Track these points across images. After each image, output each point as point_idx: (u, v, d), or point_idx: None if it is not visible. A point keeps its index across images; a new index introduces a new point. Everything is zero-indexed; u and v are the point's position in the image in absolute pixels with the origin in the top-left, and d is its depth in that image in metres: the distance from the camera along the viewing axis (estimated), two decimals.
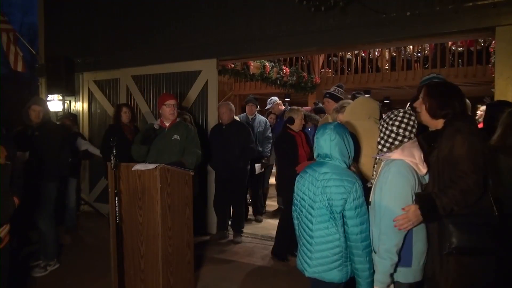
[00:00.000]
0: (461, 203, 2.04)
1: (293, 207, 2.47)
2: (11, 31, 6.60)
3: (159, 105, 3.98)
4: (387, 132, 2.15)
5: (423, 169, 2.09)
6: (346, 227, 2.16)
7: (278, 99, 6.76)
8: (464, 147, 2.08)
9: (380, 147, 2.19)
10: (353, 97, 4.46)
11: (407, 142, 2.12)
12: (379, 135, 2.21)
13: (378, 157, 2.24)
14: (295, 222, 2.45)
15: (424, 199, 2.07)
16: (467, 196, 2.03)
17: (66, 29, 6.99)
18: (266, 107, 6.88)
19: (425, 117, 2.28)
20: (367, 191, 2.32)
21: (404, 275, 2.11)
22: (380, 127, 2.21)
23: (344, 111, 3.29)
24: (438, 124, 2.26)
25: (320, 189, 2.21)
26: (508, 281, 2.44)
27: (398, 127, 2.12)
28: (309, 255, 2.26)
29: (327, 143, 2.25)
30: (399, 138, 2.12)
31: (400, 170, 2.05)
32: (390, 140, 2.14)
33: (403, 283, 2.13)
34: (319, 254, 2.22)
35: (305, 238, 2.30)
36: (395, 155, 2.09)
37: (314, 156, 2.38)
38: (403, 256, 2.08)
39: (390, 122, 2.15)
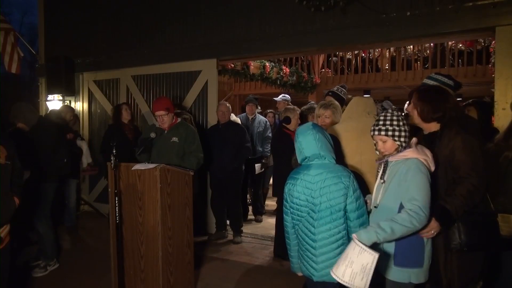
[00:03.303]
0: (469, 203, 2.11)
1: (284, 216, 2.43)
2: (11, 31, 6.59)
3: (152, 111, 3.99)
4: (395, 128, 2.13)
5: (433, 167, 2.10)
6: (349, 221, 2.17)
7: (289, 98, 6.59)
8: (465, 148, 2.13)
9: (398, 143, 2.13)
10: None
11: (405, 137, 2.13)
12: (390, 134, 2.13)
13: (389, 160, 2.18)
14: (290, 230, 2.41)
15: (436, 209, 2.11)
16: (474, 195, 2.11)
17: (66, 29, 6.99)
18: (276, 98, 6.75)
19: (417, 120, 2.35)
20: (365, 191, 2.33)
21: (417, 276, 2.11)
22: (390, 127, 2.15)
23: (333, 107, 3.31)
24: (431, 126, 2.33)
25: (318, 191, 2.19)
26: (497, 271, 2.58)
27: (404, 124, 2.14)
28: (314, 259, 2.24)
29: (312, 143, 2.24)
30: (405, 134, 2.13)
31: (419, 167, 2.04)
32: (403, 134, 2.13)
33: (417, 284, 2.13)
34: (324, 257, 2.21)
35: (307, 243, 2.28)
36: (410, 154, 2.07)
37: (299, 161, 2.35)
38: (416, 257, 2.09)
39: (394, 122, 2.13)
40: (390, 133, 2.13)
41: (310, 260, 2.27)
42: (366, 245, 1.80)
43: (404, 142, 2.13)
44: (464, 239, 2.10)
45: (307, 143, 2.26)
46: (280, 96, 6.63)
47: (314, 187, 2.21)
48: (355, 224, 2.15)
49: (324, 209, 2.19)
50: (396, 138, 2.12)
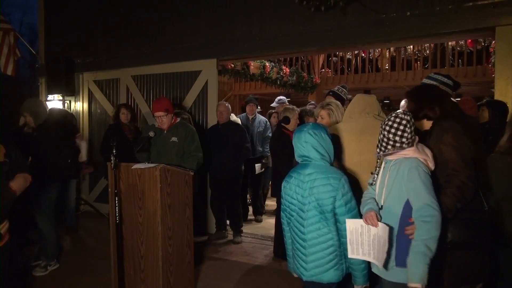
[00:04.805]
0: (462, 200, 2.08)
1: (282, 213, 2.45)
2: (10, 31, 6.59)
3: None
4: (381, 136, 2.13)
5: (432, 167, 2.09)
6: (339, 224, 2.17)
7: (286, 100, 6.57)
8: (451, 146, 2.13)
9: (377, 149, 2.17)
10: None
11: (400, 146, 2.06)
12: (378, 136, 2.18)
13: (388, 158, 2.16)
14: (285, 228, 2.43)
15: None
16: (464, 191, 2.08)
17: (66, 29, 6.99)
18: (272, 104, 6.75)
19: None
20: (362, 192, 2.32)
21: None
22: (380, 128, 2.18)
23: (329, 108, 3.31)
24: (424, 124, 2.32)
25: (307, 191, 2.21)
26: (498, 273, 2.53)
27: (389, 132, 2.08)
28: (304, 259, 2.25)
29: (303, 144, 2.27)
30: (391, 143, 2.08)
31: (419, 165, 2.03)
32: (384, 144, 2.11)
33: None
34: (314, 257, 2.22)
35: (298, 242, 2.29)
36: (411, 153, 2.05)
37: (296, 159, 2.37)
38: None
39: (383, 127, 2.12)
40: (387, 150, 2.10)
41: (301, 260, 2.29)
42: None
43: (401, 143, 2.06)
44: (449, 237, 2.08)
45: (299, 144, 2.28)
46: (275, 101, 6.60)
47: (304, 187, 2.23)
48: (345, 227, 2.12)
49: (311, 209, 2.20)
50: (396, 146, 2.09)
